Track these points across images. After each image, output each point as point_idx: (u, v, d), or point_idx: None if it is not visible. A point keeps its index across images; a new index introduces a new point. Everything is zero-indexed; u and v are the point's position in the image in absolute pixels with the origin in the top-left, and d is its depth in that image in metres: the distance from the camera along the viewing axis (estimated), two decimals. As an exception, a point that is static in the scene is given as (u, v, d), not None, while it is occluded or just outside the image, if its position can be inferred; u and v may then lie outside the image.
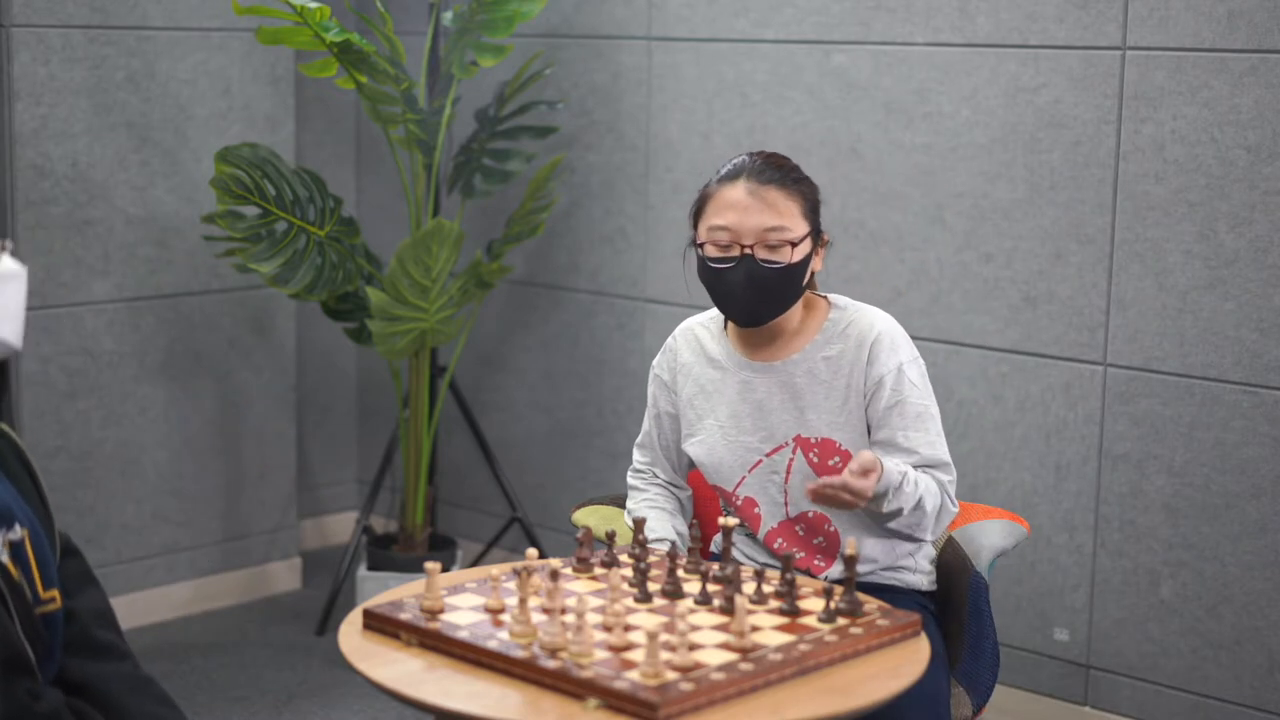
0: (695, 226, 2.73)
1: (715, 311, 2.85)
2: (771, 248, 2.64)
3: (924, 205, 3.83)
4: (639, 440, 2.92)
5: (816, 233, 2.72)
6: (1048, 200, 3.65)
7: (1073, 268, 3.63)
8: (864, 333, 2.71)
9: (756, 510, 2.75)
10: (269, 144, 4.41)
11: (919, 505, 2.60)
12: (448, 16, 4.26)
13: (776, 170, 2.68)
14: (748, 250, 2.64)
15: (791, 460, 2.72)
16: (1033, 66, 3.64)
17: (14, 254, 2.05)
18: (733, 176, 2.68)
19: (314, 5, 3.74)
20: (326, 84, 4.80)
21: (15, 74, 4.02)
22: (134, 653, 2.17)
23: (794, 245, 2.65)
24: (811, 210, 2.71)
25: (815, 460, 2.70)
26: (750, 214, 2.64)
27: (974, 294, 3.78)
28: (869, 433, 2.71)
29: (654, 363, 2.89)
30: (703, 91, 4.19)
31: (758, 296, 2.66)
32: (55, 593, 2.01)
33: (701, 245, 2.69)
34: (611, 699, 2.04)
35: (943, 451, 2.69)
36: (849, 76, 3.92)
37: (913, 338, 3.81)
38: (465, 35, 4.15)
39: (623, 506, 2.97)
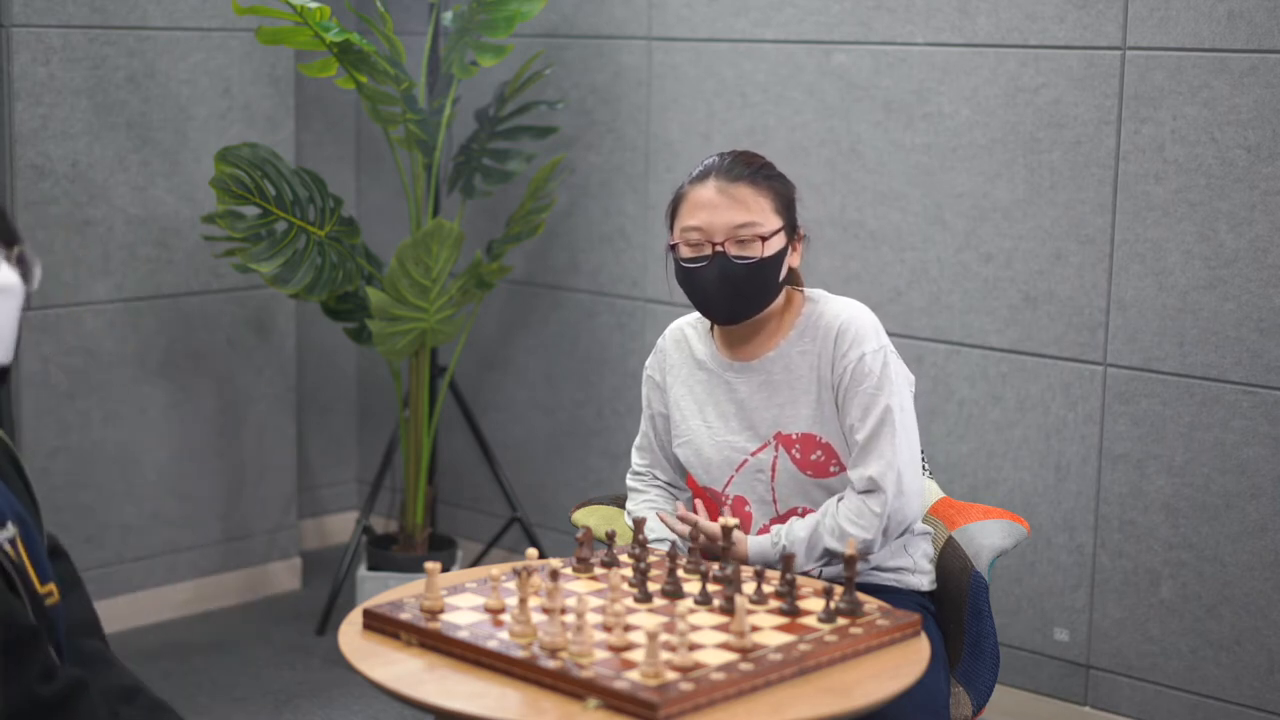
0: (671, 229, 2.73)
1: None
2: (742, 243, 2.64)
3: (924, 205, 3.83)
4: (637, 443, 2.92)
5: (791, 229, 2.71)
6: (1048, 200, 3.65)
7: (1073, 268, 3.63)
8: (830, 324, 2.70)
9: (747, 509, 2.76)
10: (269, 144, 4.41)
11: (821, 552, 2.64)
12: (448, 16, 4.26)
13: (746, 167, 2.69)
14: (719, 248, 2.64)
15: (775, 458, 2.72)
16: (1033, 66, 3.64)
17: (20, 259, 2.05)
18: (703, 176, 2.69)
19: (314, 5, 3.74)
20: (326, 84, 4.80)
21: (15, 74, 4.02)
22: (122, 658, 2.16)
23: (764, 240, 2.65)
24: (785, 206, 2.70)
25: (798, 457, 2.70)
26: (719, 212, 2.65)
27: (974, 294, 3.78)
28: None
29: (646, 364, 2.89)
30: (703, 91, 4.19)
31: (732, 293, 2.66)
32: (52, 586, 2.01)
33: (675, 247, 2.69)
34: (611, 699, 2.04)
35: (890, 460, 2.62)
36: (849, 76, 3.92)
37: (912, 338, 3.85)
38: (465, 35, 4.15)
39: (623, 506, 2.97)
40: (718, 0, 4.13)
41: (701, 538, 2.60)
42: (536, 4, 4.08)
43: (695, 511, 2.87)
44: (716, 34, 4.15)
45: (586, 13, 4.40)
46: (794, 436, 2.70)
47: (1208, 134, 3.41)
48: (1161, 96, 3.47)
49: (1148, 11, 3.47)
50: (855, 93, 3.91)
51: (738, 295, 2.66)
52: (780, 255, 2.68)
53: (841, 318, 2.70)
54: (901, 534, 2.70)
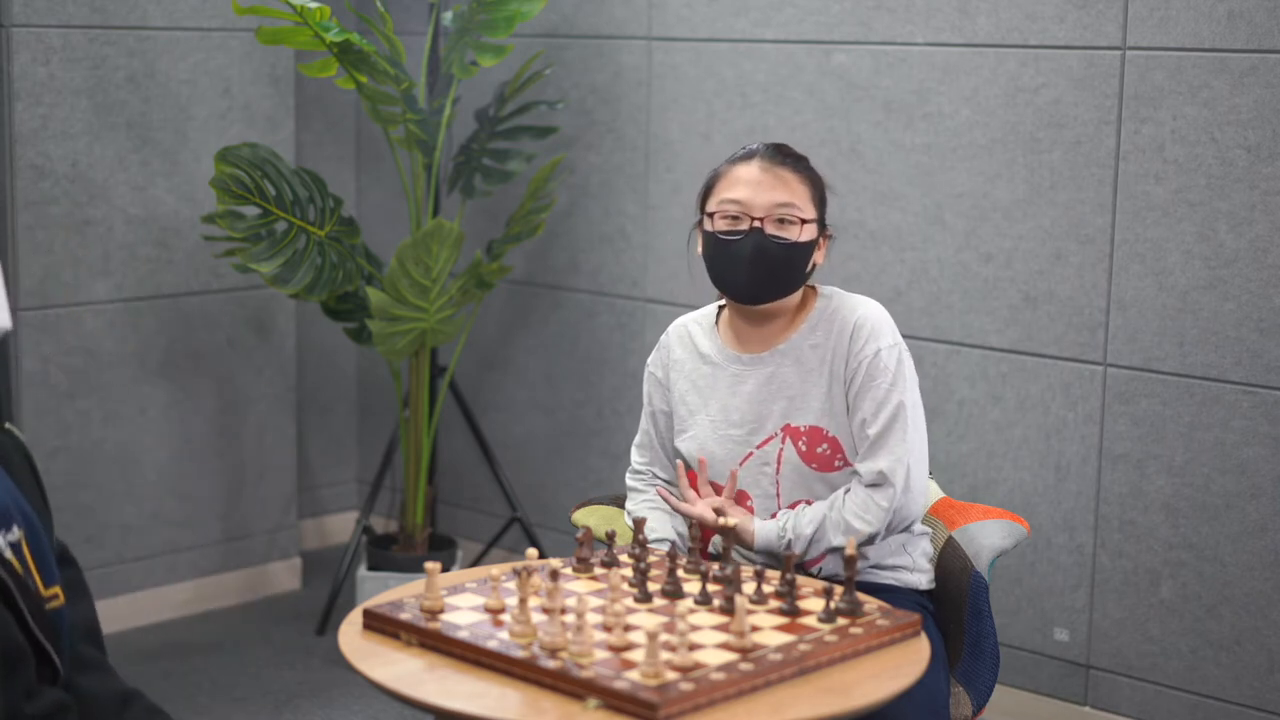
0: (702, 208, 2.75)
1: (709, 308, 2.87)
2: (781, 222, 2.68)
3: (924, 205, 3.83)
4: (637, 441, 2.92)
5: (822, 225, 2.74)
6: (1048, 200, 3.65)
7: (1073, 268, 3.63)
8: (846, 319, 2.72)
9: (749, 504, 2.76)
10: (269, 144, 4.41)
11: (825, 548, 2.66)
12: (448, 16, 4.26)
13: (789, 156, 2.74)
14: (757, 223, 2.67)
15: (781, 450, 2.72)
16: (1033, 66, 3.64)
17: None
18: (746, 157, 2.74)
19: (314, 5, 3.74)
20: (326, 84, 4.80)
21: (15, 74, 4.02)
22: (122, 662, 2.16)
23: (803, 223, 2.68)
24: (819, 199, 2.75)
25: (804, 449, 2.70)
26: (762, 189, 2.68)
27: (974, 294, 3.78)
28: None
29: (648, 360, 2.90)
30: (703, 91, 4.19)
31: (762, 271, 2.68)
32: (57, 589, 2.01)
33: (711, 216, 2.71)
34: (611, 699, 2.04)
35: (901, 455, 2.64)
36: (849, 76, 3.92)
37: (912, 338, 3.85)
38: (465, 35, 4.15)
39: (623, 506, 2.97)
40: (718, 0, 4.13)
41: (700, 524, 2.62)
42: (536, 4, 4.08)
43: (694, 487, 2.86)
44: (716, 34, 4.15)
45: (586, 13, 4.40)
46: (802, 429, 2.71)
47: (1208, 134, 3.41)
48: (1161, 96, 3.47)
49: (1148, 11, 3.47)
50: (855, 93, 3.91)
51: (768, 274, 2.68)
52: (811, 245, 2.72)
53: (858, 313, 2.72)
54: (903, 530, 2.70)
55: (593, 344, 4.51)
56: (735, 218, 2.69)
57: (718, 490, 2.78)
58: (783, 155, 2.73)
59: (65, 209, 4.15)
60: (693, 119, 4.22)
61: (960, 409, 3.82)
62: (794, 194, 2.69)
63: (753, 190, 2.68)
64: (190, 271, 4.42)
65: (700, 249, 2.77)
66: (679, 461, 2.80)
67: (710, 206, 2.73)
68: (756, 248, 2.66)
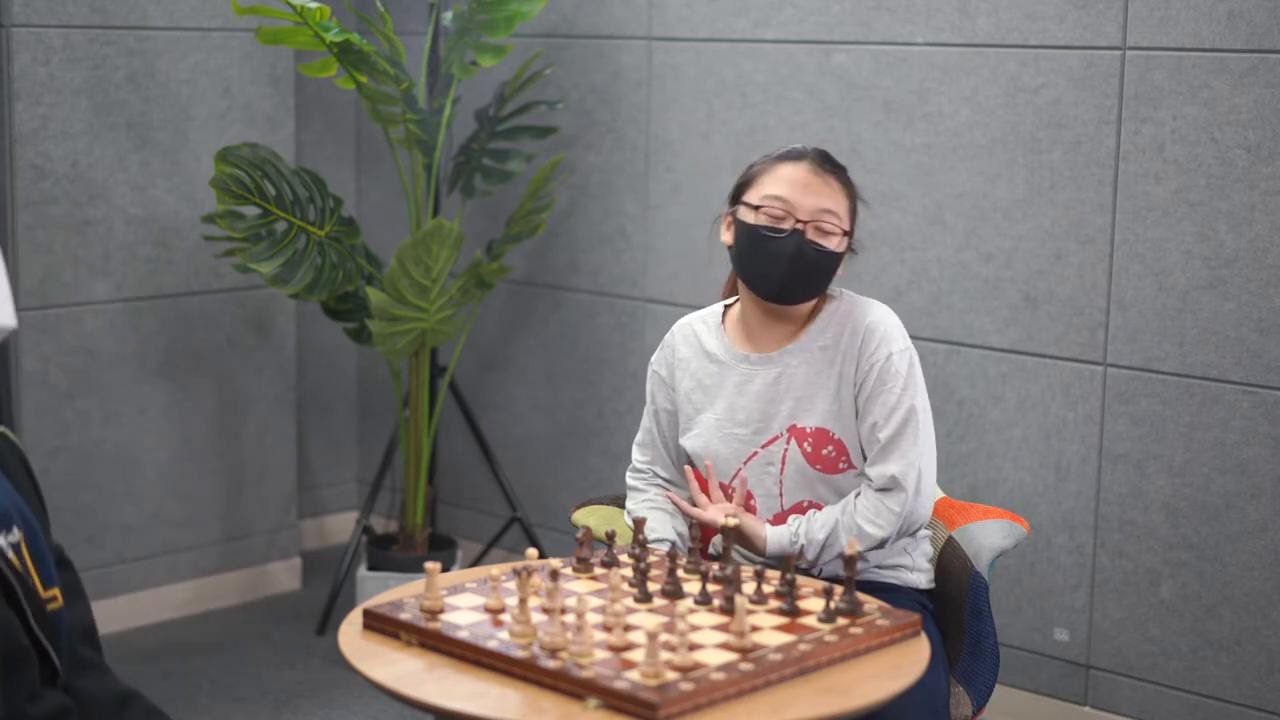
0: (735, 199, 2.75)
1: (714, 307, 2.87)
2: (822, 230, 2.69)
3: (924, 205, 3.83)
4: (638, 439, 2.92)
5: (850, 237, 2.76)
6: (1048, 200, 3.65)
7: (1073, 268, 3.63)
8: (858, 322, 2.73)
9: (752, 503, 2.76)
10: (269, 144, 4.41)
11: (840, 550, 2.66)
12: (448, 16, 4.26)
13: (835, 164, 2.75)
14: (800, 226, 2.67)
15: (786, 451, 2.72)
16: (1033, 66, 3.64)
17: (11, 252, 2.06)
18: (796, 157, 2.73)
19: (314, 5, 3.74)
20: (326, 84, 4.80)
21: (15, 74, 4.02)
22: (122, 662, 2.16)
23: (844, 234, 2.71)
24: (853, 211, 2.77)
25: (809, 450, 2.71)
26: (811, 192, 2.69)
27: (974, 294, 3.78)
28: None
29: (652, 359, 2.90)
30: (703, 91, 4.19)
31: (797, 274, 2.68)
32: (56, 591, 2.01)
33: (756, 209, 2.70)
34: (611, 699, 2.04)
35: (913, 460, 2.65)
36: (849, 76, 3.92)
37: (913, 338, 3.83)
38: (465, 35, 4.16)
39: (623, 506, 2.97)
40: (718, 0, 4.13)
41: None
42: (536, 4, 4.08)
43: (705, 480, 2.86)
44: (716, 34, 4.15)
45: (586, 13, 4.40)
46: (808, 430, 2.71)
47: (1208, 134, 3.41)
48: (1161, 96, 3.47)
49: (1148, 11, 3.47)
50: (855, 93, 3.91)
51: (801, 278, 2.69)
52: (841, 257, 2.73)
53: (870, 317, 2.73)
54: (912, 533, 2.71)
55: (593, 344, 4.51)
56: (779, 216, 2.69)
57: (726, 492, 2.78)
58: (830, 163, 2.74)
59: (65, 209, 4.15)
60: (693, 119, 4.22)
61: (960, 409, 3.82)
62: (837, 203, 2.71)
63: (800, 192, 2.69)
64: (190, 271, 4.42)
65: (730, 239, 2.77)
66: (687, 466, 2.80)
67: (753, 199, 2.72)
68: (796, 250, 2.67)
